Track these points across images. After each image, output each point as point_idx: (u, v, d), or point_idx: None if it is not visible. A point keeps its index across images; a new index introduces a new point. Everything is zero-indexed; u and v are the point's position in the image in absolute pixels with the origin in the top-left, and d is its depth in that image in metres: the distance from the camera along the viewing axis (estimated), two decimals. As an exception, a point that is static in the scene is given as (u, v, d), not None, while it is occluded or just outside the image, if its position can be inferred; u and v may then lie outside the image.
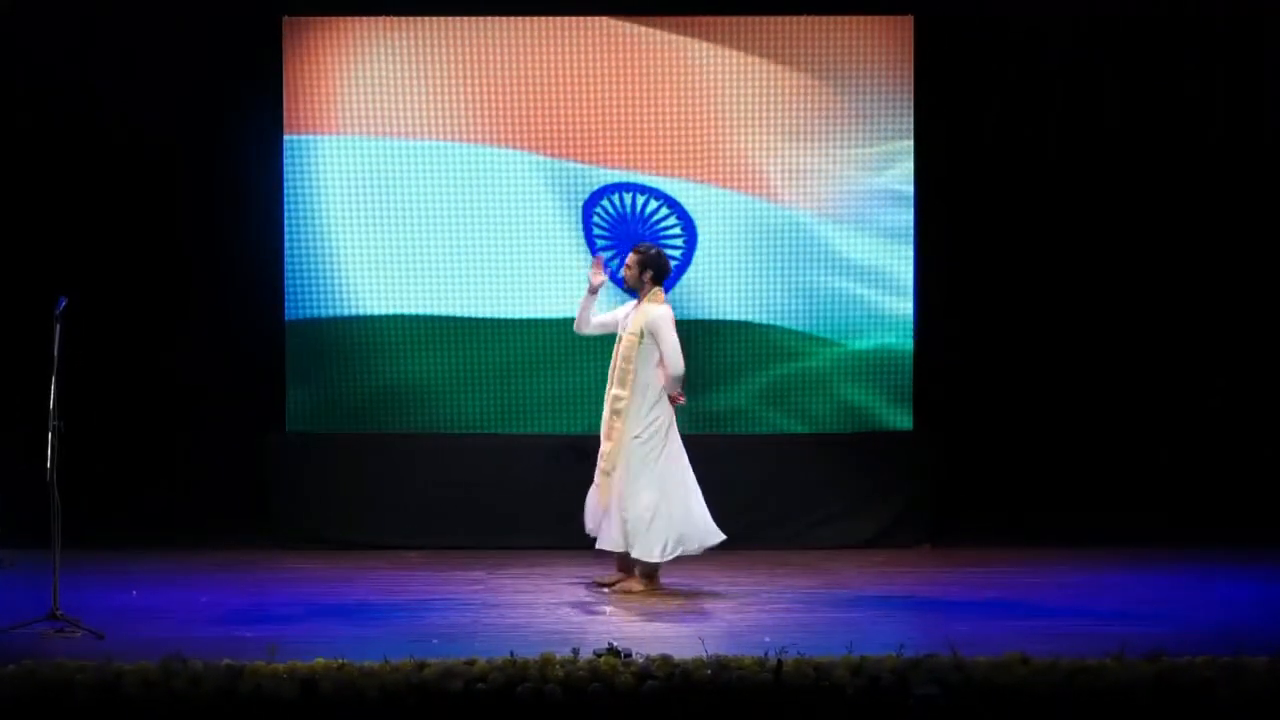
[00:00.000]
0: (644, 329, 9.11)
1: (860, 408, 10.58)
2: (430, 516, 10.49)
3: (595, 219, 10.49)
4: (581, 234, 10.53)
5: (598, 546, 9.28)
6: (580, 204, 10.52)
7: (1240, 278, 11.26)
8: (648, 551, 9.13)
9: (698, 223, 10.52)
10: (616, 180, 10.52)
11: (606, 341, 10.37)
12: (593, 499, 9.30)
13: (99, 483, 11.00)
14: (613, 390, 9.19)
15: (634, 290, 9.28)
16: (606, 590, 9.25)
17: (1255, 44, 11.18)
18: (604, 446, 9.19)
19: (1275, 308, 11.25)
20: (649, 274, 9.19)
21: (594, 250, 10.34)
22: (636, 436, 9.11)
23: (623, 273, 9.34)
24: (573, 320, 9.49)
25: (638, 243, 9.48)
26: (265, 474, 10.58)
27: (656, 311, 9.13)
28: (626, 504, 9.09)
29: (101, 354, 11.08)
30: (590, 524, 9.34)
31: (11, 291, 11.02)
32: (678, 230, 10.51)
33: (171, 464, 11.15)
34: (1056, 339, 11.33)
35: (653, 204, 10.49)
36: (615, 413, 9.15)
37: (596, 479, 9.26)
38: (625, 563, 9.31)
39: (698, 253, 10.48)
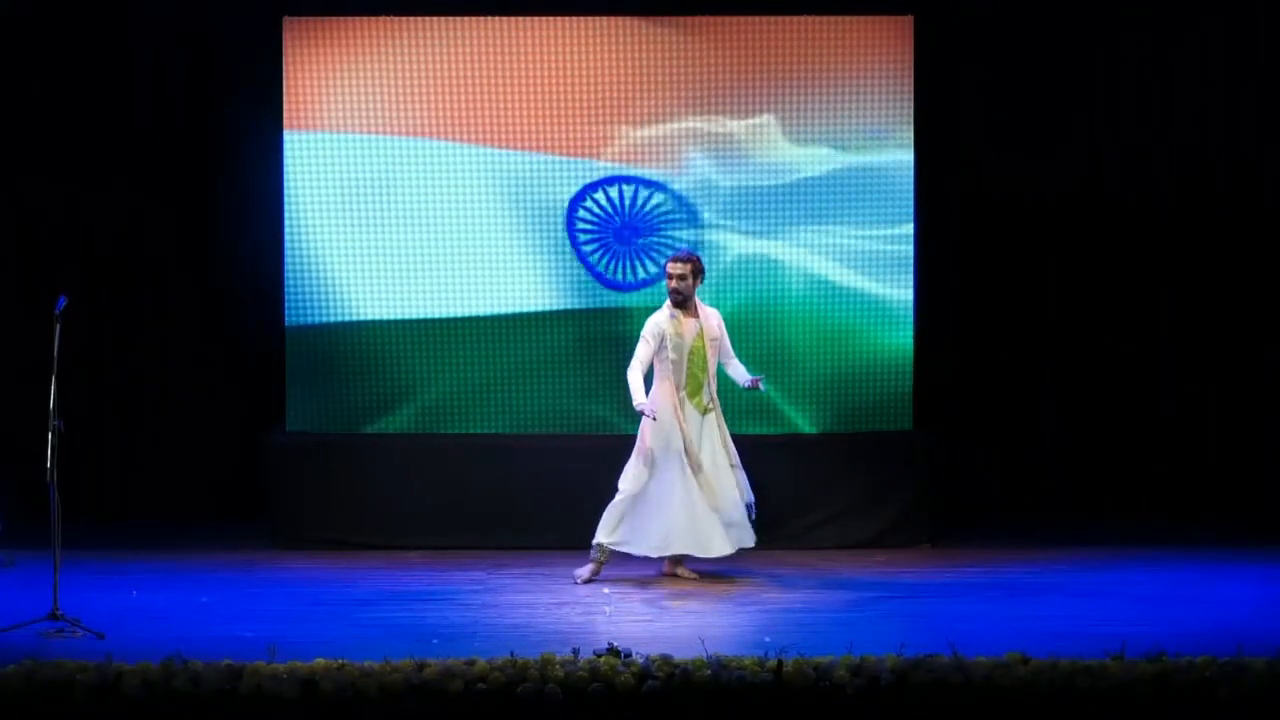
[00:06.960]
0: (718, 332, 9.57)
1: (860, 408, 10.56)
2: (430, 516, 10.46)
3: (579, 215, 10.45)
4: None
5: (729, 550, 9.49)
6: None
7: (1240, 278, 11.25)
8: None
9: (700, 211, 10.48)
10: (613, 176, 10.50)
11: (606, 341, 10.39)
12: (703, 509, 9.43)
13: (99, 483, 11.01)
14: (708, 402, 9.48)
15: (685, 299, 9.43)
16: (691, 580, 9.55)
17: (1256, 48, 11.18)
18: (710, 452, 9.47)
19: (1274, 310, 11.24)
20: (700, 279, 9.50)
21: (579, 252, 10.41)
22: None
23: (676, 285, 9.39)
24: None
25: (677, 252, 9.64)
26: (265, 474, 10.56)
27: (718, 314, 9.64)
28: (740, 499, 9.49)
29: (102, 354, 11.09)
30: (702, 539, 9.48)
31: (11, 291, 11.02)
32: (682, 218, 10.49)
33: (172, 464, 11.14)
34: (1056, 339, 11.32)
35: (657, 196, 10.45)
36: (713, 414, 9.52)
37: (703, 487, 9.44)
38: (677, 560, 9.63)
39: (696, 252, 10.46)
